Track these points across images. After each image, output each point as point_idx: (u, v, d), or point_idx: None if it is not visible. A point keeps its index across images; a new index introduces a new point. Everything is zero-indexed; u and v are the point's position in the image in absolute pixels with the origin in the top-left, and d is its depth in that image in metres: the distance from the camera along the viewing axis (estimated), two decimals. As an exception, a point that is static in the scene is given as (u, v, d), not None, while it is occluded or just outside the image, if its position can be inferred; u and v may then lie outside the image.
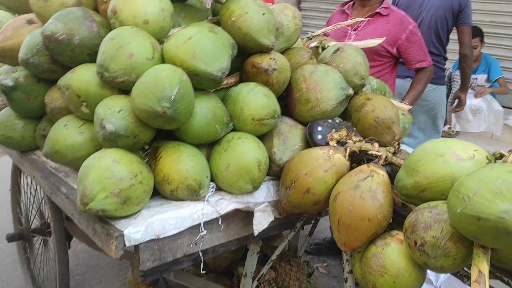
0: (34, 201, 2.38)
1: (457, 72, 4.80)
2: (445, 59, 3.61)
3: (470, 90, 4.81)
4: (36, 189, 2.33)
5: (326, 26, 3.17)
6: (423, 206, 1.18)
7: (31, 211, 2.43)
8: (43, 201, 2.24)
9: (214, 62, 1.35)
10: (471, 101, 4.82)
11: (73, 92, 1.42)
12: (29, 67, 1.54)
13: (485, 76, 5.00)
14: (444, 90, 3.65)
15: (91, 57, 1.48)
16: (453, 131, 4.99)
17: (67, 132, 1.47)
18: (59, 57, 1.47)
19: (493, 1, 5.39)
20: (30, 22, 1.71)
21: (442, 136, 4.92)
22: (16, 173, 2.51)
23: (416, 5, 3.50)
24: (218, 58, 1.36)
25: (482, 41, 4.86)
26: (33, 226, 2.45)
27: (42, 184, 1.65)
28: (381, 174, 1.31)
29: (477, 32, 4.80)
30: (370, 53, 2.78)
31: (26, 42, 1.54)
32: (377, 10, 2.85)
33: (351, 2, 3.05)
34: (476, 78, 4.99)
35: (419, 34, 2.85)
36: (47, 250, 2.40)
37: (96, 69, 1.35)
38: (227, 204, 1.42)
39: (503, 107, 5.36)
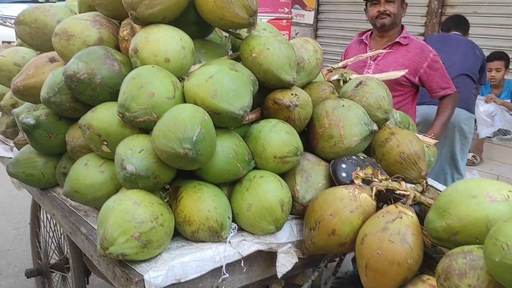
0: (53, 235, 2.36)
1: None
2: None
3: (480, 96, 4.74)
4: (55, 224, 2.32)
5: (344, 56, 3.17)
6: (457, 251, 1.11)
7: (50, 245, 2.41)
8: (62, 236, 2.22)
9: (236, 100, 1.33)
10: (483, 107, 4.74)
11: (94, 131, 1.41)
12: (50, 106, 1.54)
13: (509, 101, 4.93)
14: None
15: (112, 95, 1.48)
16: (476, 159, 4.87)
17: (87, 171, 1.46)
18: (80, 96, 1.47)
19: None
20: (52, 60, 1.72)
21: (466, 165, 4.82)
22: (36, 207, 2.51)
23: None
24: (240, 96, 1.34)
25: (507, 66, 4.79)
26: (52, 261, 2.43)
27: (62, 223, 1.63)
28: (410, 215, 1.26)
29: (502, 56, 4.75)
30: (391, 83, 2.76)
31: (48, 80, 1.55)
32: (397, 40, 2.84)
33: (369, 32, 3.04)
34: None
35: (440, 62, 2.83)
36: (65, 285, 2.37)
37: (117, 109, 1.34)
38: (249, 245, 1.38)
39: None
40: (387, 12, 2.81)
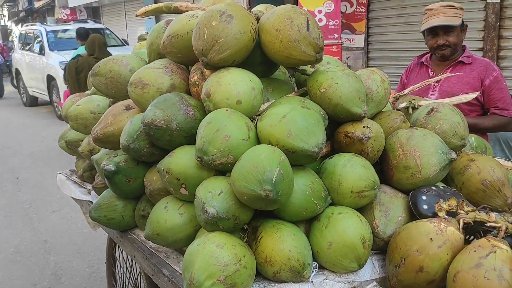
0: (130, 276, 2.43)
1: None
2: None
3: None
4: (131, 264, 2.38)
5: (403, 79, 3.10)
6: None
7: (127, 285, 2.48)
8: (139, 276, 2.28)
9: (310, 138, 1.33)
10: None
11: (172, 175, 1.45)
12: (129, 152, 1.61)
13: None
14: None
15: (188, 139, 1.53)
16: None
17: (167, 214, 1.50)
18: (158, 142, 1.53)
19: None
20: (128, 108, 1.81)
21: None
22: (112, 246, 2.61)
23: None
24: (314, 133, 1.34)
25: None
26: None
27: (143, 265, 1.68)
28: (505, 249, 1.19)
29: None
30: (458, 104, 2.68)
31: (126, 128, 1.62)
32: (460, 59, 2.76)
33: (429, 54, 2.98)
34: None
35: (505, 83, 2.72)
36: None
37: (195, 153, 1.38)
38: (332, 284, 1.35)
39: None
40: (447, 43, 2.75)
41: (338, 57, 6.52)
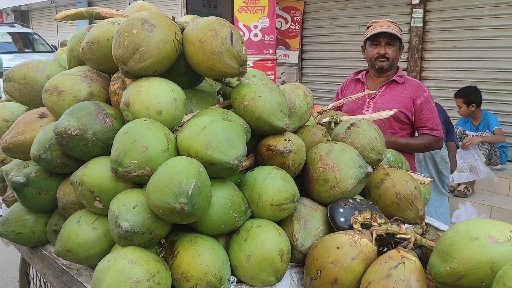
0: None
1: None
2: None
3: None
4: (46, 282, 2.23)
5: (338, 94, 3.20)
6: (464, 296, 1.09)
7: (41, 305, 2.32)
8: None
9: (230, 150, 1.32)
10: (461, 156, 4.81)
11: (86, 187, 1.38)
12: (41, 163, 1.51)
13: (486, 131, 5.00)
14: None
15: (104, 150, 1.46)
16: (469, 190, 4.89)
17: (80, 229, 1.42)
18: (72, 152, 1.45)
19: (494, 59, 5.50)
20: (42, 116, 1.71)
21: (457, 196, 4.84)
22: (25, 264, 2.43)
23: None
24: (234, 146, 1.34)
25: (467, 103, 4.92)
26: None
27: (54, 283, 1.57)
28: (413, 260, 1.23)
29: (461, 94, 4.93)
30: (390, 120, 2.82)
31: (38, 138, 1.53)
32: (393, 78, 2.90)
33: (365, 71, 3.09)
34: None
35: (433, 104, 2.90)
36: None
37: (110, 164, 1.32)
38: (249, 298, 1.33)
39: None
40: (387, 55, 2.87)
41: (273, 72, 6.64)
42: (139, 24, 1.47)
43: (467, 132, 5.04)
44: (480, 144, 4.92)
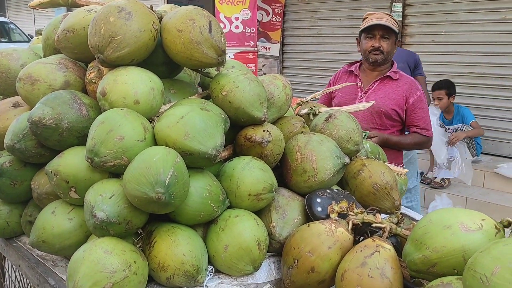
0: (19, 286, 2.24)
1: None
2: None
3: (446, 139, 4.91)
4: (21, 275, 2.20)
5: (330, 84, 3.17)
6: (436, 283, 1.11)
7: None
8: (29, 286, 2.11)
9: (208, 140, 1.32)
10: (447, 150, 4.90)
11: (61, 177, 1.36)
12: (15, 153, 1.48)
13: (463, 125, 5.09)
14: None
15: (80, 140, 1.44)
16: (445, 182, 4.98)
17: (55, 220, 1.40)
18: (46, 142, 1.43)
19: (471, 54, 5.60)
20: (16, 105, 1.68)
21: (433, 188, 4.93)
22: (0, 256, 2.39)
23: None
24: (212, 136, 1.33)
25: (449, 94, 4.98)
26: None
27: (28, 274, 1.55)
28: (388, 249, 1.25)
29: (442, 85, 4.97)
30: (381, 116, 2.82)
31: (12, 127, 1.50)
32: (388, 74, 2.88)
33: (358, 63, 3.06)
34: (455, 129, 5.08)
35: (426, 103, 2.90)
36: None
37: (86, 154, 1.30)
38: (227, 287, 1.34)
39: (492, 155, 5.43)
40: (381, 48, 2.83)
41: (254, 64, 6.64)
42: (116, 12, 1.45)
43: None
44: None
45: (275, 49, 7.71)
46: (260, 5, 7.33)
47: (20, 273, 2.20)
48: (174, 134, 1.32)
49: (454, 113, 5.12)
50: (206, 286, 1.32)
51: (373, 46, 2.85)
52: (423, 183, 5.08)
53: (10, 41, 12.88)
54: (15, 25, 13.33)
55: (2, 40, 12.86)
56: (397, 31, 2.87)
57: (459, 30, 5.71)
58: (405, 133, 3.06)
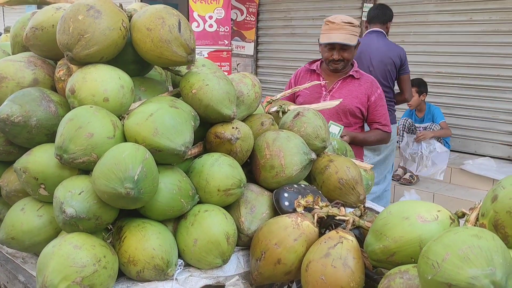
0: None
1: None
2: (395, 103, 4.25)
3: (410, 136, 5.07)
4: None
5: (291, 84, 3.23)
6: (394, 271, 1.17)
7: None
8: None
9: (177, 137, 1.35)
10: (412, 146, 5.05)
11: (30, 174, 1.37)
12: (-18, 151, 1.48)
13: (433, 123, 5.24)
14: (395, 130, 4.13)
15: (49, 137, 1.45)
16: (413, 178, 5.12)
17: (24, 217, 1.40)
18: (15, 139, 1.43)
19: (439, 54, 5.76)
20: (-17, 103, 1.66)
21: (402, 184, 5.06)
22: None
23: (365, 60, 3.88)
24: (181, 132, 1.36)
25: (419, 92, 5.11)
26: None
27: (-3, 272, 1.55)
28: (350, 240, 1.31)
29: (414, 83, 5.06)
30: (346, 114, 2.93)
31: (-21, 125, 1.49)
32: (350, 73, 2.97)
33: (319, 62, 3.13)
34: (425, 127, 5.23)
35: (385, 101, 3.02)
36: None
37: (55, 151, 1.31)
38: (196, 280, 1.37)
39: (459, 152, 5.61)
40: (341, 58, 2.90)
41: (228, 63, 6.66)
42: (85, 10, 1.46)
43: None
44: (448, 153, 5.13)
45: (249, 48, 7.74)
46: (234, 4, 7.35)
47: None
48: (144, 131, 1.34)
49: (426, 111, 5.27)
50: (176, 279, 1.35)
51: (333, 58, 2.91)
52: (393, 179, 5.21)
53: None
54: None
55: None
56: (356, 41, 2.92)
57: (428, 30, 5.86)
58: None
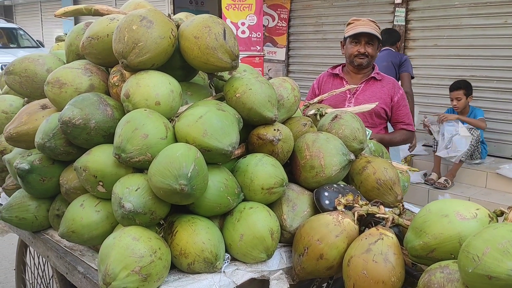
0: (41, 281, 2.36)
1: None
2: None
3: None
4: (43, 269, 2.32)
5: (315, 89, 3.31)
6: (434, 266, 1.22)
7: (38, 291, 2.40)
8: (51, 280, 2.22)
9: (225, 138, 1.44)
10: (436, 126, 5.22)
11: (90, 173, 1.48)
12: (45, 151, 1.60)
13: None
14: None
15: (106, 138, 1.56)
16: (448, 183, 5.07)
17: (83, 212, 1.52)
18: (75, 140, 1.55)
19: (473, 57, 5.70)
20: (44, 107, 1.80)
21: (437, 188, 5.02)
22: (22, 252, 2.51)
23: None
24: (228, 134, 1.45)
25: (467, 94, 5.08)
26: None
27: (57, 264, 1.66)
28: (391, 236, 1.37)
29: (461, 85, 5.06)
30: (372, 115, 2.99)
31: (42, 127, 1.62)
32: (372, 75, 3.03)
33: (341, 66, 3.21)
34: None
35: (407, 101, 3.08)
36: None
37: (113, 150, 1.42)
38: (242, 274, 1.45)
39: (495, 156, 5.52)
40: (366, 53, 2.99)
41: (260, 69, 6.76)
42: (138, 20, 1.57)
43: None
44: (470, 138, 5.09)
45: (281, 54, 7.83)
46: (266, 10, 7.47)
47: (42, 268, 2.32)
48: (194, 132, 1.44)
49: (468, 114, 5.23)
50: (224, 272, 1.43)
51: (359, 51, 3.01)
52: (426, 183, 5.17)
53: (19, 46, 13.09)
54: (24, 31, 13.54)
55: (11, 45, 13.07)
56: (380, 38, 3.04)
57: (461, 34, 5.81)
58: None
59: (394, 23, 6.30)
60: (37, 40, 13.44)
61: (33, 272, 2.45)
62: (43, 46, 13.19)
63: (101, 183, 1.49)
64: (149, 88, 1.54)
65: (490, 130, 5.49)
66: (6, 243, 4.15)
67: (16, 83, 1.91)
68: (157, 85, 1.55)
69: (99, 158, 1.49)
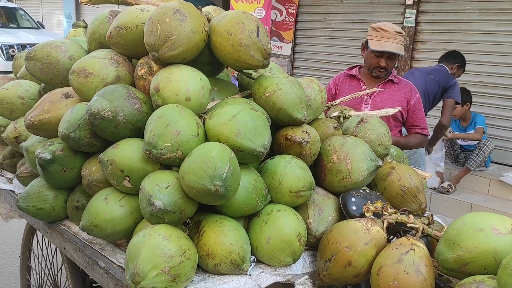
0: (49, 273, 2.32)
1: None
2: None
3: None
4: (52, 261, 2.28)
5: (332, 89, 3.28)
6: (469, 280, 1.21)
7: (46, 282, 2.37)
8: (60, 272, 2.19)
9: (258, 138, 1.41)
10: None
11: (116, 167, 1.45)
12: (69, 141, 1.57)
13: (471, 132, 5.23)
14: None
15: (133, 132, 1.53)
16: (452, 188, 5.09)
17: (107, 206, 1.49)
18: (102, 133, 1.51)
19: (482, 63, 5.68)
20: (66, 96, 1.76)
21: (440, 193, 5.03)
22: (29, 239, 2.48)
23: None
24: (261, 134, 1.42)
25: (463, 102, 5.06)
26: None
27: (75, 257, 1.63)
28: (422, 247, 1.35)
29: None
30: (388, 118, 2.97)
31: (67, 117, 1.58)
32: (390, 78, 3.00)
33: (358, 67, 3.17)
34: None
35: (422, 105, 3.06)
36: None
37: (144, 146, 1.39)
38: (268, 277, 1.43)
39: (498, 163, 5.53)
40: (386, 67, 2.93)
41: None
42: (171, 13, 1.53)
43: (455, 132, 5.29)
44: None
45: (286, 49, 7.78)
46: (274, 4, 7.40)
47: (51, 260, 2.29)
48: (227, 131, 1.41)
49: (470, 121, 5.24)
50: (249, 274, 1.41)
51: (380, 65, 2.94)
52: (430, 188, 5.18)
53: (18, 26, 12.90)
54: (24, 11, 13.33)
55: (11, 25, 12.87)
56: (404, 53, 2.97)
57: (471, 39, 5.79)
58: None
59: (404, 24, 6.26)
60: (37, 21, 13.25)
61: (40, 262, 2.41)
62: (43, 28, 13.02)
63: (127, 178, 1.45)
64: (180, 83, 1.50)
65: (494, 137, 5.49)
66: (5, 227, 4.11)
67: (37, 69, 1.87)
68: (188, 81, 1.52)
69: (126, 152, 1.46)
